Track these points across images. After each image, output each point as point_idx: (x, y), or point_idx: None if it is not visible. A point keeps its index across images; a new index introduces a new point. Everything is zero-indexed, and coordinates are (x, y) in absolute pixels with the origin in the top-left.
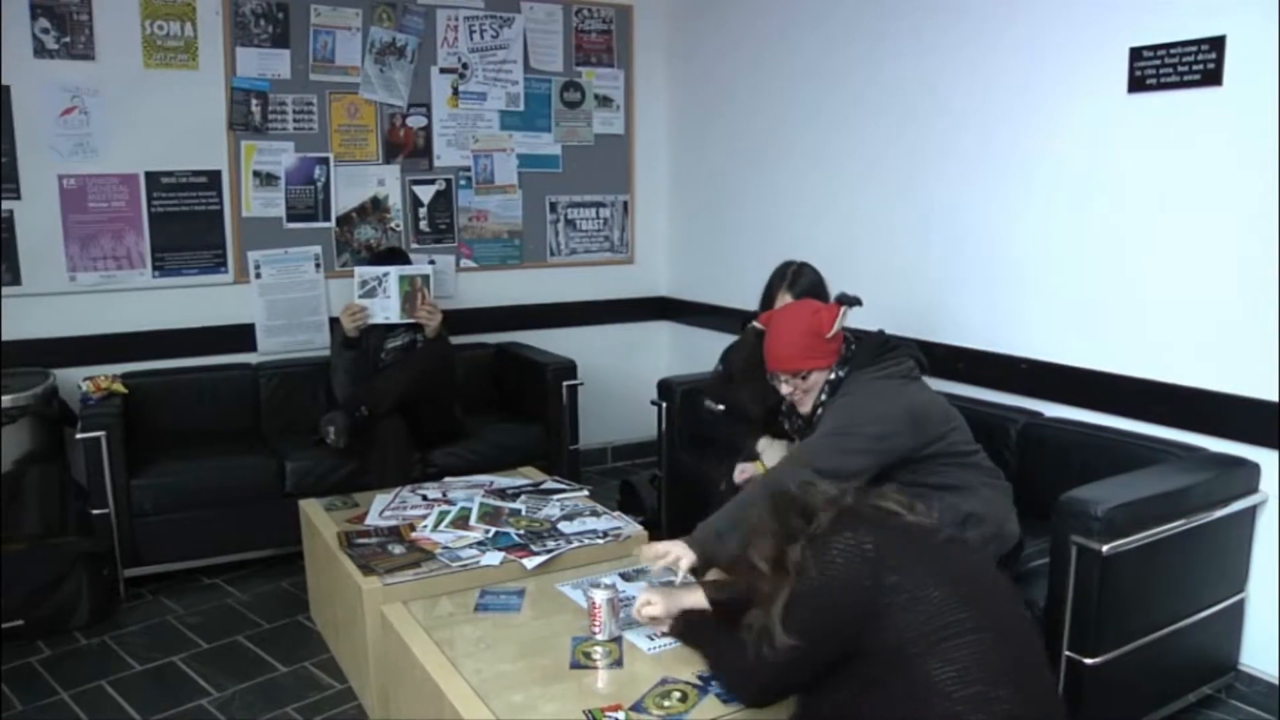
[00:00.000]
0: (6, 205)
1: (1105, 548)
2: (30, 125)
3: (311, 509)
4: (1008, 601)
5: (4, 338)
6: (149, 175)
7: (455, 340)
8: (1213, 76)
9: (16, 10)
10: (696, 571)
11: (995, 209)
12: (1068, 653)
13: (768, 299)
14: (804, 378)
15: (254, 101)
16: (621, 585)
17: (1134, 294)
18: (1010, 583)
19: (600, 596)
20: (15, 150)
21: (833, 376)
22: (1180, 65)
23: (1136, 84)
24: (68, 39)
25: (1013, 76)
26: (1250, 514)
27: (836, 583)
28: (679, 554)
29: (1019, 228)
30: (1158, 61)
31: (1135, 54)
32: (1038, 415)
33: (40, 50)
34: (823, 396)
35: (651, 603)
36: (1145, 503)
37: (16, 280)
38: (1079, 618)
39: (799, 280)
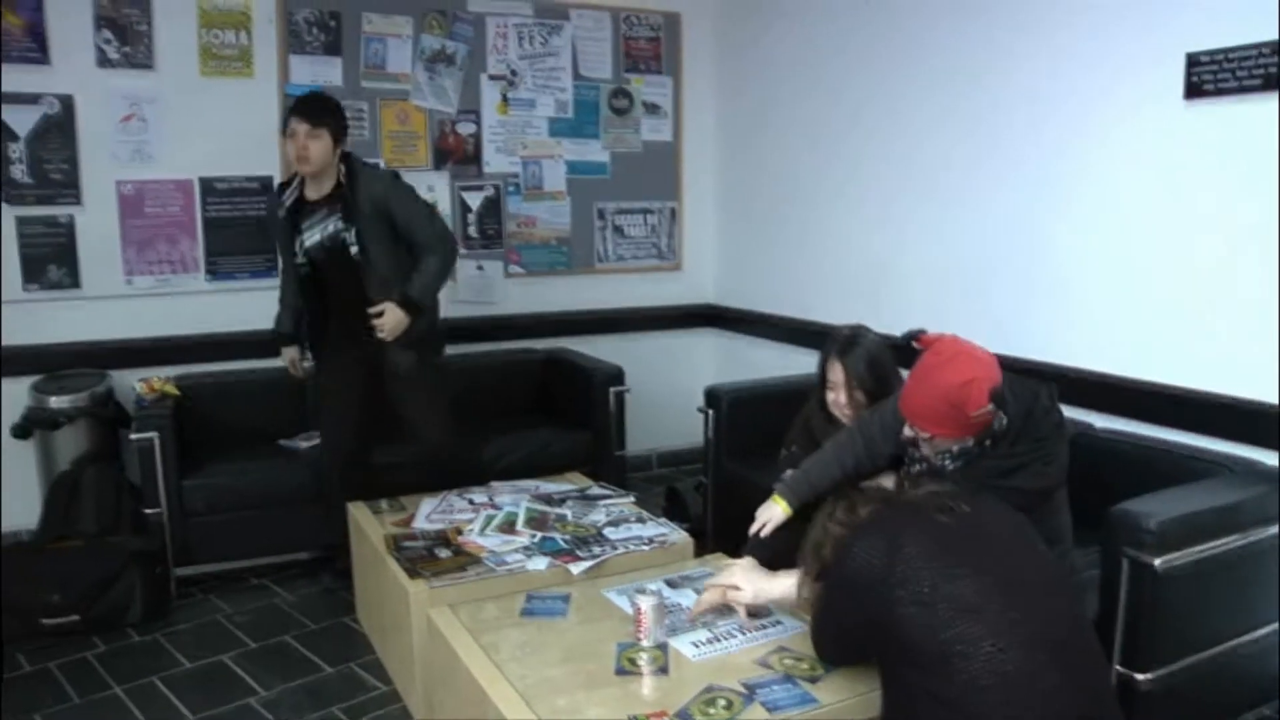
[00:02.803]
0: (68, 211)
1: (1158, 561)
2: (92, 133)
3: (359, 512)
4: (1049, 594)
5: (63, 340)
6: (203, 181)
7: (503, 347)
8: (1274, 81)
9: (81, 22)
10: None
11: (1048, 216)
12: (1118, 668)
13: (822, 360)
14: (928, 437)
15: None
16: (667, 592)
17: (1189, 304)
18: (1059, 574)
19: (646, 603)
20: (77, 158)
21: (957, 449)
22: (1240, 70)
23: (1194, 90)
24: (128, 49)
25: (1066, 82)
26: None
27: (850, 581)
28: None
29: (1072, 235)
30: (1215, 67)
31: (1193, 60)
32: (1089, 427)
33: (103, 60)
34: (946, 461)
35: (739, 588)
36: (1199, 516)
37: (76, 284)
38: (1130, 632)
39: (851, 348)
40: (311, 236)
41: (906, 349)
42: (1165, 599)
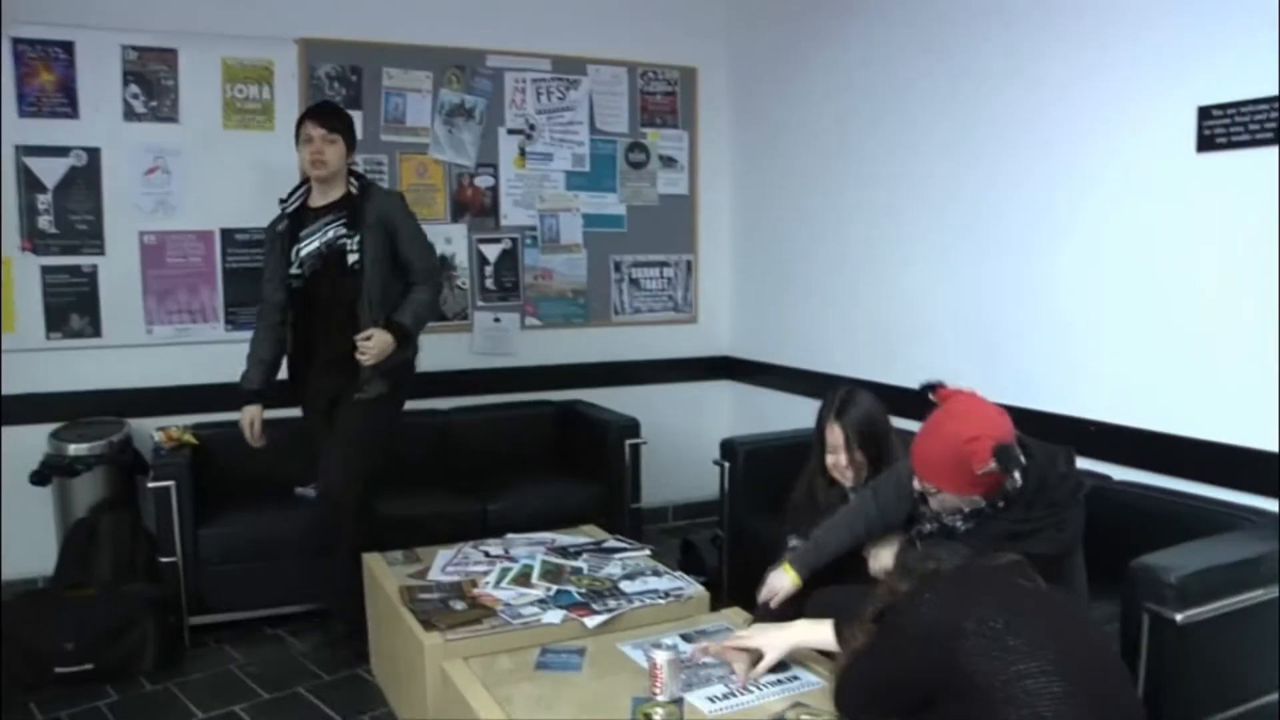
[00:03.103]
0: (92, 261)
1: (1180, 616)
2: (117, 185)
3: (374, 563)
4: (1110, 668)
5: (83, 387)
6: (224, 232)
7: (519, 398)
8: None
9: (110, 77)
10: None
11: (1062, 266)
12: None
13: (819, 426)
14: (934, 491)
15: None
16: (683, 646)
17: (1205, 354)
18: (1110, 647)
19: (661, 657)
20: (101, 208)
21: (968, 509)
22: (1251, 124)
23: (1205, 143)
24: (155, 103)
25: (1079, 134)
26: None
27: (917, 628)
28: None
29: (1087, 287)
30: (1227, 120)
31: (1204, 113)
32: (1106, 479)
33: (129, 114)
34: (957, 522)
35: (763, 652)
36: (1221, 570)
37: (97, 333)
38: (1152, 688)
39: (847, 408)
40: (310, 244)
41: (922, 400)
42: (1187, 655)
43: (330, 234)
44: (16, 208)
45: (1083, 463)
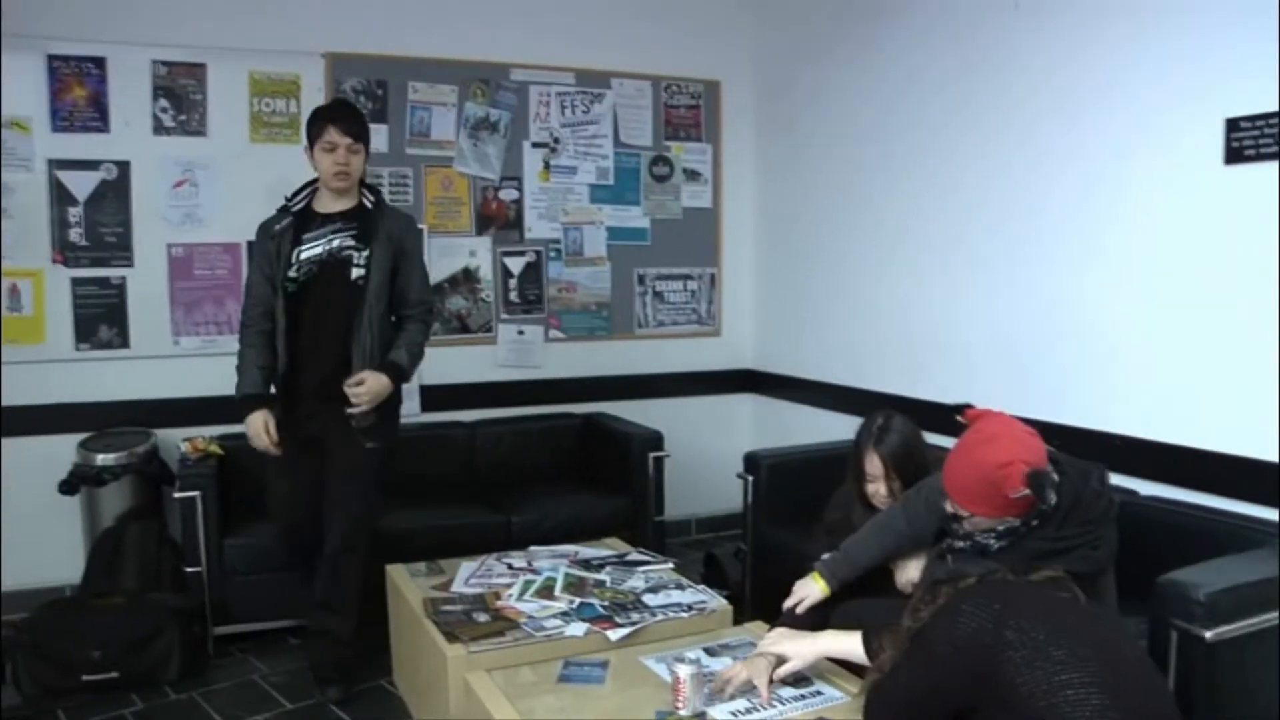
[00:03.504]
0: (120, 273)
1: (1209, 634)
2: (146, 198)
3: (397, 574)
4: (1149, 679)
5: (112, 398)
6: (250, 244)
7: (542, 411)
8: None
9: (141, 92)
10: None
11: (1089, 279)
12: None
13: (857, 454)
14: (967, 514)
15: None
16: (706, 660)
17: (1234, 368)
18: (1150, 661)
19: (684, 671)
20: (130, 221)
21: (1001, 528)
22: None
23: (1234, 155)
24: (183, 117)
25: (1107, 146)
26: None
27: (958, 637)
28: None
29: (1112, 300)
30: (1255, 132)
31: (1232, 125)
32: (1133, 494)
33: (159, 128)
34: (990, 540)
35: (788, 658)
36: (1250, 587)
37: (125, 344)
38: (1181, 707)
39: (885, 437)
40: (313, 248)
41: (952, 418)
42: (1216, 673)
43: (336, 242)
44: (48, 221)
45: (1110, 477)
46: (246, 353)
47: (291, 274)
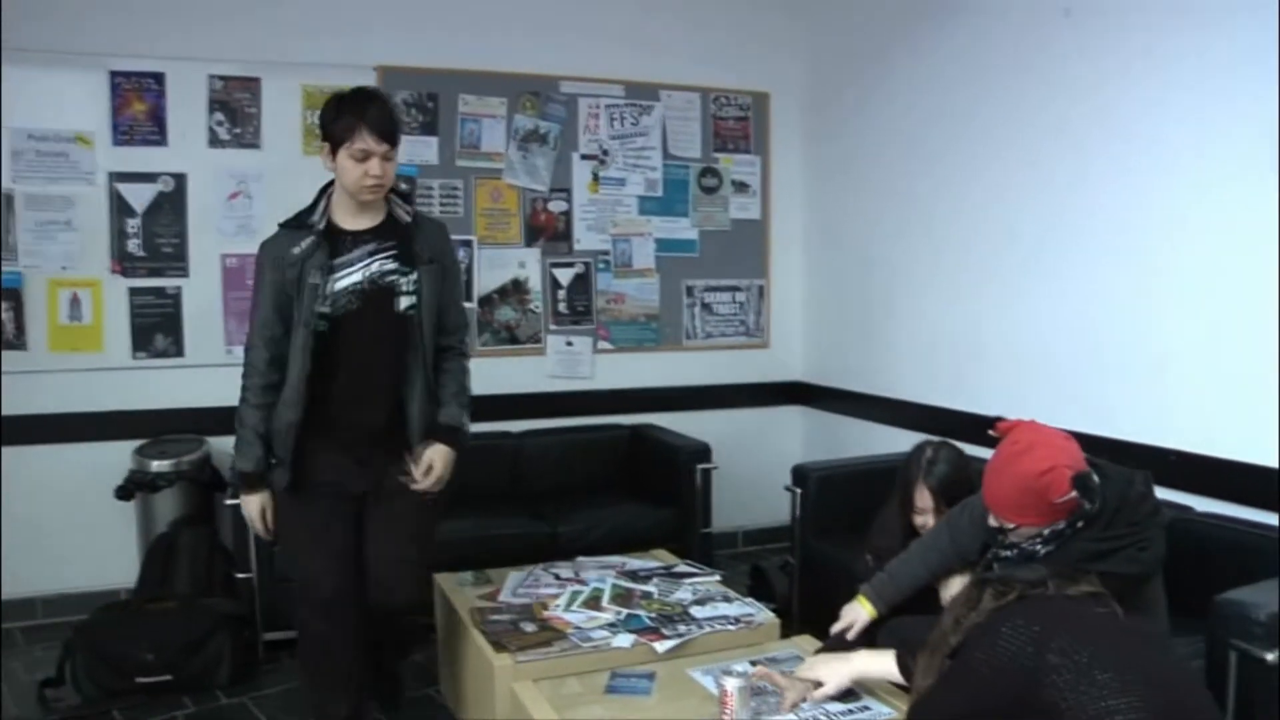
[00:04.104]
0: (176, 283)
1: (1271, 656)
2: (201, 209)
3: (446, 583)
4: (1196, 699)
5: (166, 406)
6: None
7: (590, 421)
8: None
9: (197, 106)
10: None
11: (1142, 291)
12: None
13: (905, 486)
14: (1014, 526)
15: (403, 185)
16: (752, 670)
17: None
18: (1198, 682)
19: (732, 684)
20: (186, 232)
21: (1047, 532)
22: None
23: None
24: (238, 130)
25: (1156, 156)
26: None
27: (998, 660)
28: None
29: (1163, 311)
30: None
31: None
32: (1187, 510)
33: (214, 141)
34: (1037, 545)
35: (823, 683)
36: None
37: (180, 352)
38: None
39: (934, 469)
40: (348, 276)
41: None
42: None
43: (375, 267)
44: (108, 232)
45: (1164, 493)
46: (247, 414)
47: (323, 309)
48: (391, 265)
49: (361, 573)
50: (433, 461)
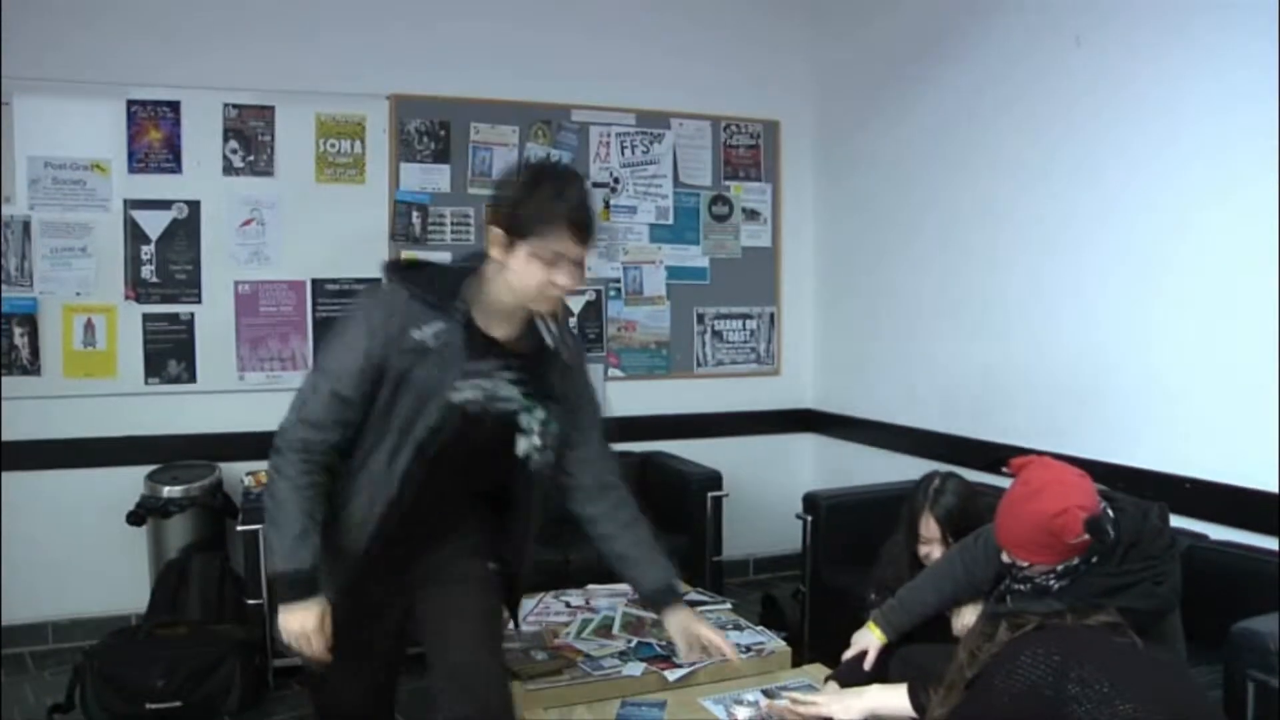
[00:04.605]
0: (189, 309)
1: None
2: (214, 236)
3: None
4: None
5: (179, 432)
6: (315, 282)
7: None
8: None
9: (212, 133)
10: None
11: (1157, 319)
12: None
13: (911, 516)
14: (1027, 565)
15: (415, 213)
16: (764, 702)
17: None
18: (1220, 712)
19: (743, 714)
20: (199, 259)
21: (1060, 568)
22: None
23: None
24: (252, 158)
25: (1167, 185)
26: None
27: (1017, 690)
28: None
29: (1177, 339)
30: None
31: None
32: (1203, 538)
33: (228, 168)
34: (1051, 581)
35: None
36: None
37: (193, 379)
38: None
39: (940, 499)
40: (470, 391)
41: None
42: None
43: (504, 391)
44: (123, 258)
45: (1179, 521)
46: (289, 495)
47: (432, 422)
48: (516, 394)
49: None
50: (701, 633)
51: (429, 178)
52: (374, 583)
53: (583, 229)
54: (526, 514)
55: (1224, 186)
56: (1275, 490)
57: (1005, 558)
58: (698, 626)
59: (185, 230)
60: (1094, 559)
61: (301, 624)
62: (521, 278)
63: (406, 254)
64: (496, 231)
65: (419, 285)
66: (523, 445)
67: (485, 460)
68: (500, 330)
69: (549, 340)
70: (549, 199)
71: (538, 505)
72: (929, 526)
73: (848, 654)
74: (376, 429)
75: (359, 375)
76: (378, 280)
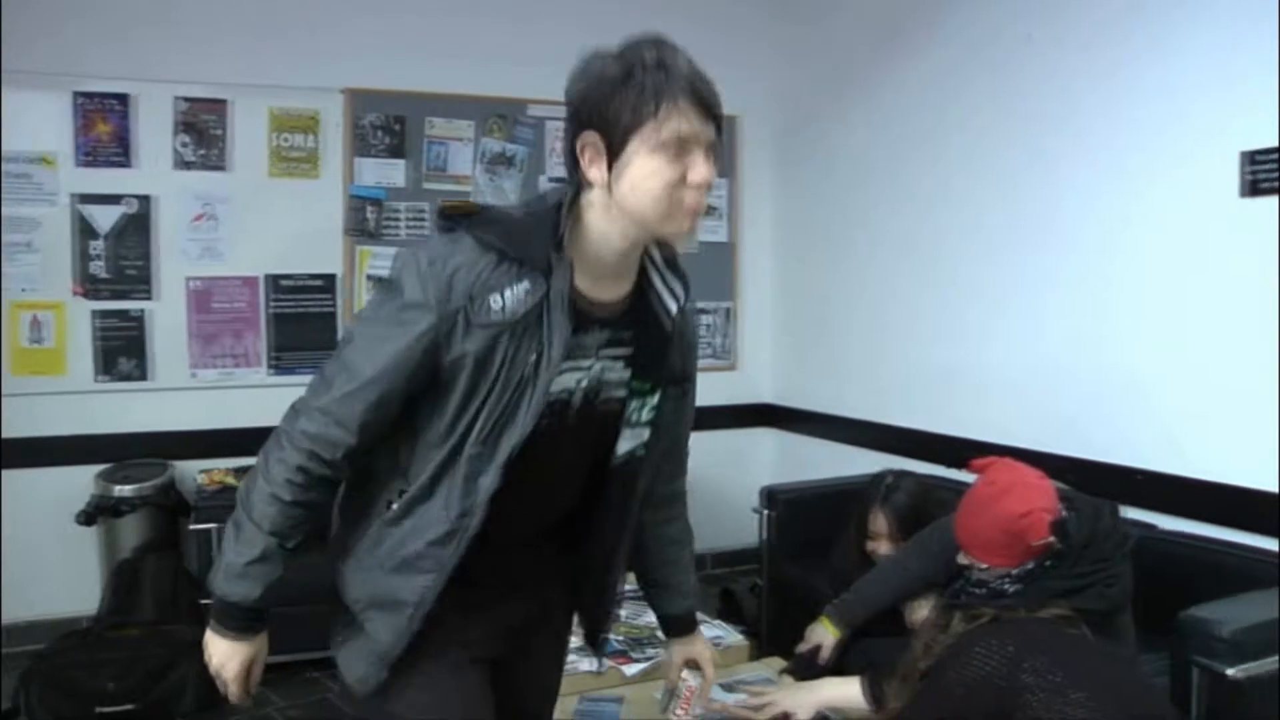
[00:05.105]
0: (140, 305)
1: (1233, 671)
2: (166, 231)
3: None
4: (1158, 713)
5: (131, 430)
6: (269, 278)
7: None
8: None
9: (163, 127)
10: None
11: (1107, 313)
12: None
13: (861, 510)
14: (985, 566)
15: (370, 209)
16: (723, 696)
17: (1250, 401)
18: (1168, 701)
19: (695, 681)
20: (150, 254)
21: (1016, 571)
22: None
23: (1251, 188)
24: (204, 151)
25: (1122, 180)
26: None
27: (971, 680)
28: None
29: (1129, 333)
30: (1272, 165)
31: (1248, 158)
32: (1152, 528)
33: (179, 163)
34: (1005, 584)
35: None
36: (1276, 624)
37: (144, 376)
38: None
39: (892, 496)
40: (573, 376)
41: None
42: (1242, 711)
43: (612, 374)
44: (71, 254)
45: (1130, 512)
46: (268, 510)
47: (527, 424)
48: (622, 375)
49: None
50: (700, 656)
51: (384, 172)
52: (453, 631)
53: (706, 100)
54: (614, 540)
55: (1180, 184)
56: (1224, 481)
57: (962, 559)
58: (701, 650)
59: (136, 225)
60: (1048, 563)
61: (224, 658)
62: (644, 184)
63: (448, 202)
64: (590, 139)
65: (495, 234)
66: (627, 444)
67: (573, 474)
68: (604, 291)
69: (669, 300)
70: (654, 70)
71: (629, 528)
72: (878, 522)
73: (801, 647)
74: (440, 443)
75: (408, 364)
76: (334, 276)
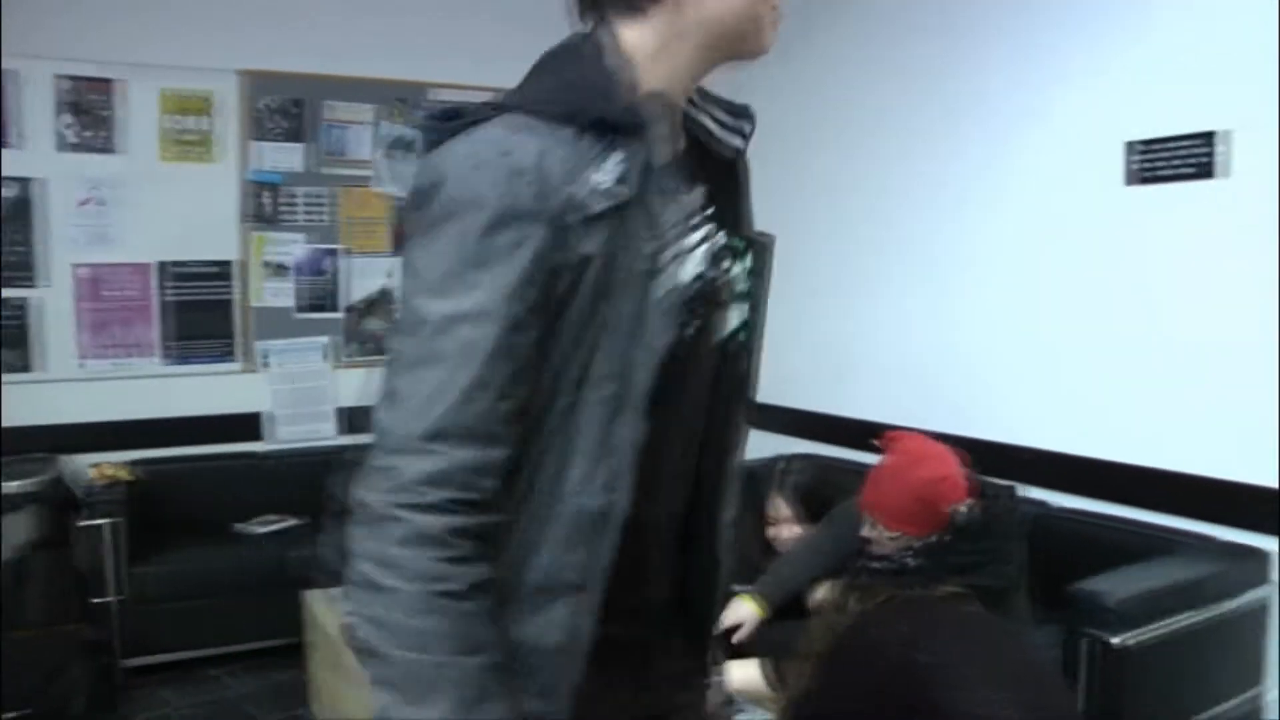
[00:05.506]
0: (23, 293)
1: (1117, 640)
2: (51, 216)
3: (315, 601)
4: (1056, 690)
5: (11, 424)
6: (162, 265)
7: None
8: (1205, 170)
9: (43, 106)
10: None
11: (990, 296)
12: None
13: (757, 500)
14: (891, 536)
15: (266, 194)
16: None
17: (1136, 382)
18: (1060, 674)
19: None
20: (32, 240)
21: (918, 544)
22: (1174, 159)
23: (1133, 177)
24: (90, 133)
25: (1020, 167)
26: (1263, 604)
27: (867, 660)
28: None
29: (1018, 316)
30: (1152, 156)
31: (1130, 148)
32: (1044, 505)
33: (62, 144)
34: (908, 559)
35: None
36: (1159, 593)
37: (27, 367)
38: (1094, 712)
39: (787, 480)
40: (699, 261)
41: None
42: (1127, 678)
43: (716, 245)
44: None
45: (1021, 489)
46: (460, 614)
47: (665, 340)
48: (722, 241)
49: None
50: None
51: (281, 157)
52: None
53: None
54: (718, 481)
55: (1059, 169)
56: (1113, 459)
57: (867, 531)
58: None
59: (16, 209)
60: (948, 538)
61: None
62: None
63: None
64: None
65: (562, 101)
66: (733, 317)
67: (699, 412)
68: (665, 150)
69: (731, 138)
70: None
71: (738, 460)
72: (778, 508)
73: (725, 623)
74: (562, 403)
75: (529, 301)
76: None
